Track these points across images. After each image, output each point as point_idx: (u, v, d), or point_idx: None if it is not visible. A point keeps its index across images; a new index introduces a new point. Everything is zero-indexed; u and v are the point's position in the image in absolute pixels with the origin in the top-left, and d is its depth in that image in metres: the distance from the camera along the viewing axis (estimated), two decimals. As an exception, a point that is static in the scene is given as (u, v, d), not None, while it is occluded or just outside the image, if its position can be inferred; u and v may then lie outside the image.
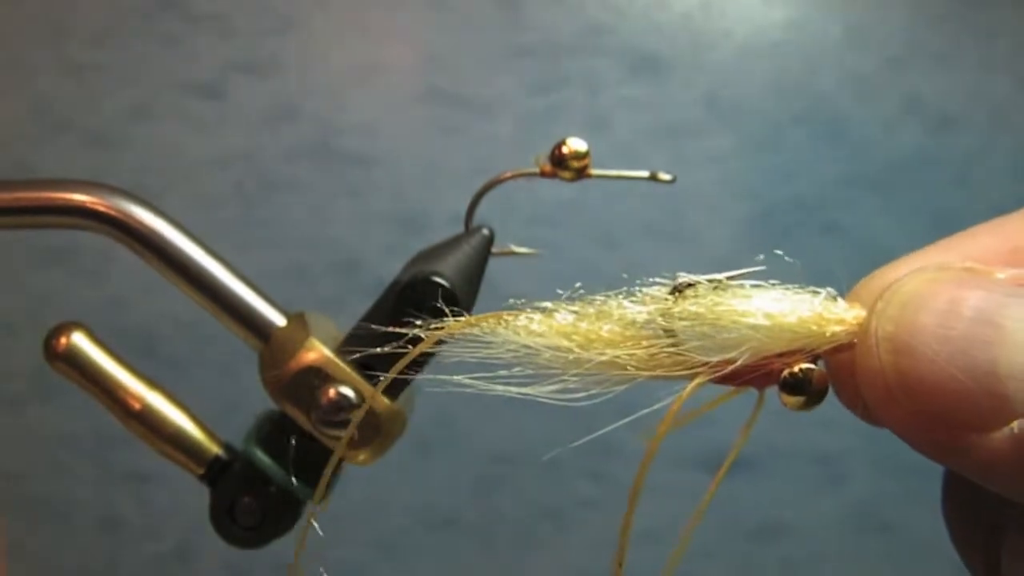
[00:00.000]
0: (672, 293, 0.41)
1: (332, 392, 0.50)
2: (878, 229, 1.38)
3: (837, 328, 0.40)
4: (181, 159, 1.37)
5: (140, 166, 1.36)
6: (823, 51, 1.42)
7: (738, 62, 1.41)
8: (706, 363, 0.40)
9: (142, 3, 1.38)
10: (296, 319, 0.54)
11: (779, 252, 0.42)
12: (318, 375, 0.51)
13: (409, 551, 1.38)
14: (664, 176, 0.56)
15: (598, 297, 0.42)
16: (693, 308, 0.41)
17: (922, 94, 1.42)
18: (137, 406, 0.53)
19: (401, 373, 0.51)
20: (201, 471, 0.54)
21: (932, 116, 1.42)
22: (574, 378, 0.42)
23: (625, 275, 0.41)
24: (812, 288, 0.41)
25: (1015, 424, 0.33)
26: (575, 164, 0.54)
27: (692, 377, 0.41)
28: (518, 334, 0.42)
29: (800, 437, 1.40)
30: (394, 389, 0.52)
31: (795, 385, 0.40)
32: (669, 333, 0.41)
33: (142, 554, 1.37)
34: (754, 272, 0.41)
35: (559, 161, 0.54)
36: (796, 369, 0.39)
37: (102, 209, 0.53)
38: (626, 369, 0.42)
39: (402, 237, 1.36)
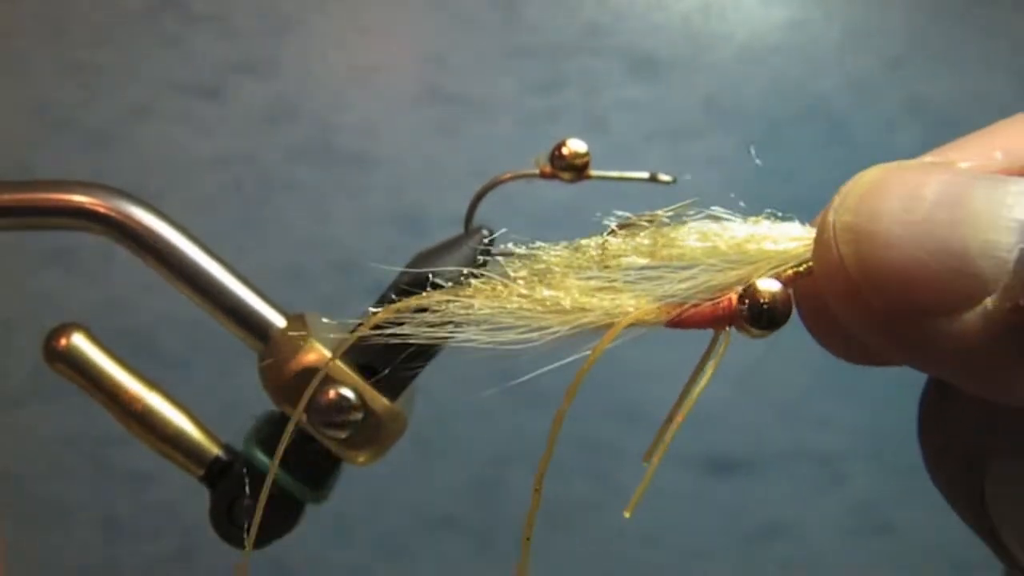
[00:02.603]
0: (609, 235, 0.40)
1: (332, 393, 0.50)
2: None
3: (792, 245, 0.38)
4: (180, 159, 1.37)
5: (139, 166, 1.36)
6: (823, 52, 1.42)
7: (737, 63, 1.41)
8: (652, 306, 0.38)
9: (141, 3, 1.38)
10: (296, 320, 0.54)
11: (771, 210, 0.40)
12: (318, 376, 0.51)
13: (408, 551, 1.38)
14: (664, 177, 0.56)
15: (538, 248, 0.41)
16: (630, 243, 0.39)
17: (922, 95, 1.42)
18: (137, 407, 0.53)
19: (402, 372, 0.51)
20: (201, 472, 0.54)
21: (932, 117, 1.42)
22: (523, 333, 0.40)
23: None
24: (769, 212, 0.39)
25: (987, 301, 0.32)
26: (575, 165, 0.54)
27: (631, 321, 0.39)
28: (469, 305, 0.41)
29: (800, 437, 1.40)
30: (394, 389, 0.52)
31: (754, 310, 0.37)
32: (608, 274, 0.39)
33: (141, 555, 1.36)
34: (690, 203, 0.40)
35: (558, 162, 0.54)
36: (753, 289, 0.37)
37: (101, 210, 0.53)
38: (566, 315, 0.40)
39: (401, 238, 1.36)
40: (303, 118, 1.38)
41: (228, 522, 0.54)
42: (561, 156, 0.54)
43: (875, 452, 1.40)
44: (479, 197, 0.56)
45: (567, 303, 0.40)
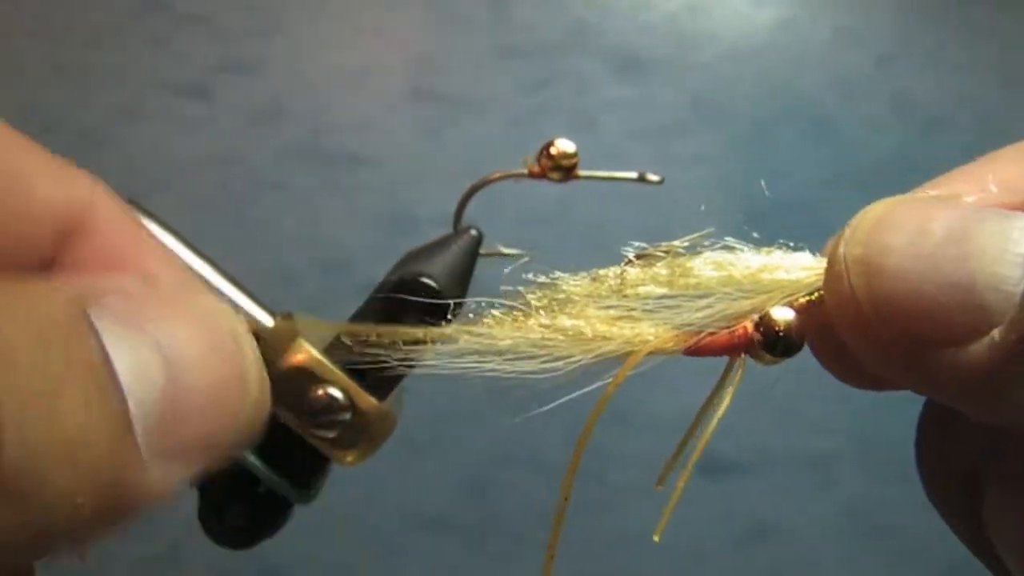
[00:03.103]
0: (627, 265, 0.41)
1: (320, 392, 0.50)
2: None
3: (804, 275, 0.39)
4: (169, 159, 1.37)
5: (128, 166, 1.36)
6: (810, 52, 1.43)
7: (724, 63, 1.42)
8: (672, 332, 0.40)
9: (130, 4, 1.38)
10: (284, 320, 0.54)
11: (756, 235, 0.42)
12: (307, 376, 0.51)
13: (398, 551, 1.38)
14: (652, 177, 0.56)
15: (558, 279, 0.41)
16: (648, 273, 0.40)
17: (909, 95, 1.43)
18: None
19: (391, 372, 0.51)
20: (189, 472, 0.54)
21: (918, 117, 1.42)
22: (545, 359, 0.41)
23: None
24: (780, 244, 0.40)
25: (994, 333, 0.32)
26: (563, 165, 0.54)
27: (651, 350, 0.40)
28: (486, 335, 0.42)
29: (792, 440, 1.41)
30: (383, 389, 0.52)
31: (769, 338, 0.39)
32: (625, 303, 0.40)
33: (131, 555, 1.36)
34: (706, 235, 0.41)
35: (547, 162, 0.54)
36: (768, 318, 0.38)
37: (89, 210, 0.52)
38: (588, 344, 0.41)
39: (391, 237, 1.36)
40: (292, 118, 1.38)
41: (217, 522, 0.53)
42: (550, 156, 0.54)
43: (866, 455, 1.40)
44: (468, 197, 0.56)
45: (588, 332, 0.41)
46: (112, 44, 1.37)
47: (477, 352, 0.42)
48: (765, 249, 0.41)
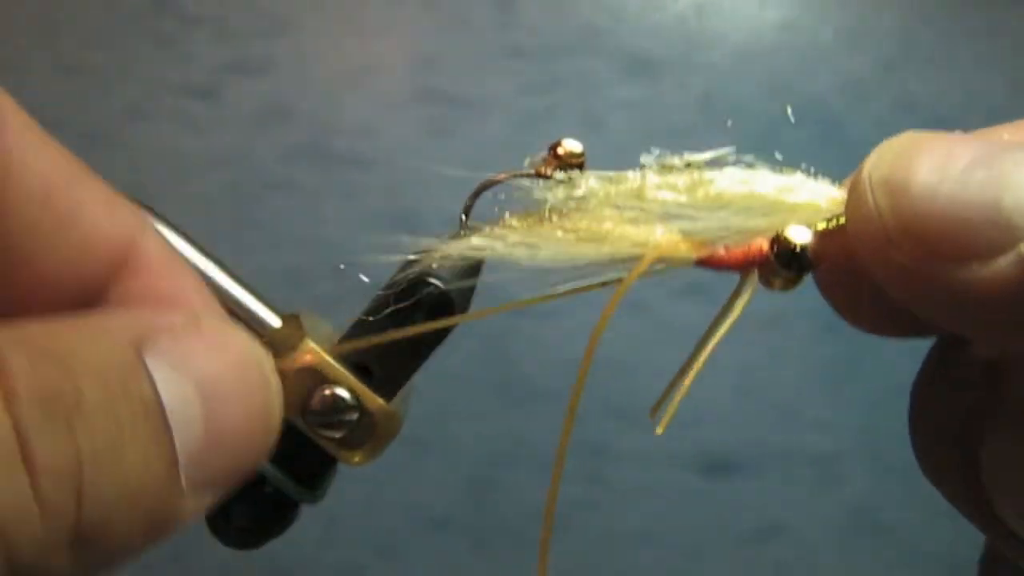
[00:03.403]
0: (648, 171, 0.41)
1: (327, 393, 0.50)
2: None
3: (822, 202, 0.40)
4: (175, 160, 1.37)
5: (134, 167, 1.36)
6: (817, 53, 1.43)
7: (732, 63, 1.41)
8: (677, 240, 0.40)
9: (136, 4, 1.38)
10: (291, 320, 0.54)
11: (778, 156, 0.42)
12: (313, 376, 0.51)
13: (404, 552, 1.38)
14: (659, 177, 0.56)
15: (577, 176, 0.42)
16: (665, 181, 0.40)
17: (916, 95, 1.42)
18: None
19: (398, 372, 0.51)
20: (196, 472, 0.54)
21: (926, 117, 1.42)
22: (563, 263, 0.41)
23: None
24: (803, 168, 0.41)
25: (1021, 246, 0.33)
26: (570, 165, 0.54)
27: (663, 254, 0.40)
28: (506, 231, 0.42)
29: (796, 438, 1.40)
30: (389, 389, 0.52)
31: (784, 254, 0.38)
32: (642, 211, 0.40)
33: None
34: (727, 153, 0.41)
35: (554, 162, 0.54)
36: (785, 236, 0.38)
37: (97, 210, 0.53)
38: (601, 244, 0.41)
39: (397, 238, 1.36)
40: (298, 119, 1.38)
41: (223, 522, 0.54)
42: (556, 156, 0.54)
43: (872, 454, 1.40)
44: (474, 197, 0.56)
45: (603, 232, 0.41)
46: (119, 44, 1.37)
47: (492, 247, 0.42)
48: (787, 170, 0.41)
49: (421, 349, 0.51)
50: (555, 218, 0.41)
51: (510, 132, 1.39)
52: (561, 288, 0.42)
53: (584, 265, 0.41)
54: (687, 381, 0.42)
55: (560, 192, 0.42)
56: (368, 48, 1.40)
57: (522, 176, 0.55)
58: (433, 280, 0.49)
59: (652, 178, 0.41)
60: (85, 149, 1.38)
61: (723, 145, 0.44)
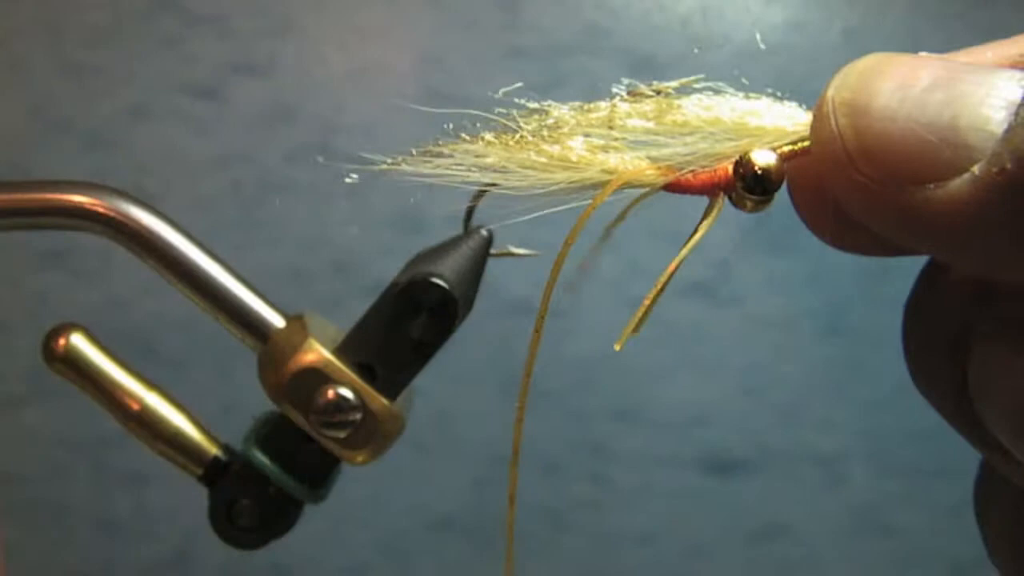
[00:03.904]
0: (618, 100, 0.42)
1: (331, 393, 0.51)
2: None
3: (790, 125, 0.40)
4: (179, 160, 1.37)
5: (138, 167, 1.36)
6: (821, 53, 1.42)
7: (737, 64, 1.41)
8: (644, 167, 0.41)
9: (140, 4, 1.38)
10: (295, 320, 0.54)
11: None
12: (317, 376, 0.51)
13: (408, 552, 1.38)
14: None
15: (549, 105, 0.42)
16: (637, 108, 0.41)
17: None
18: (136, 407, 0.54)
19: (401, 372, 0.52)
20: (200, 472, 0.54)
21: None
22: (527, 181, 0.42)
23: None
24: (770, 92, 0.42)
25: (975, 167, 0.34)
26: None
27: (630, 179, 0.41)
28: (478, 152, 0.43)
29: (800, 438, 1.40)
30: (393, 389, 0.52)
31: (748, 177, 0.39)
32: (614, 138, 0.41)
33: (140, 556, 1.37)
34: (697, 79, 0.42)
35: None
36: (748, 158, 0.39)
37: (100, 210, 0.53)
38: (573, 171, 0.42)
39: (400, 238, 1.36)
40: (302, 119, 1.38)
41: (227, 522, 0.54)
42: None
43: (875, 453, 1.40)
44: (478, 197, 0.56)
45: (573, 157, 0.42)
46: (122, 44, 1.37)
47: (463, 165, 0.43)
48: (754, 95, 0.42)
49: (424, 349, 0.51)
50: (528, 142, 0.42)
51: (514, 132, 1.38)
52: (530, 215, 0.42)
53: (554, 191, 0.42)
54: (649, 301, 0.43)
55: (533, 121, 0.43)
56: (371, 48, 1.40)
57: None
58: (437, 280, 0.49)
59: (622, 106, 0.42)
60: (88, 149, 1.38)
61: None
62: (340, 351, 0.51)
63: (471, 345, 1.32)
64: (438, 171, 0.43)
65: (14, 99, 1.36)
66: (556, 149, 0.42)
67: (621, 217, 0.43)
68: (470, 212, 0.56)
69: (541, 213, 0.42)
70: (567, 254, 0.42)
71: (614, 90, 0.43)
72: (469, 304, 0.51)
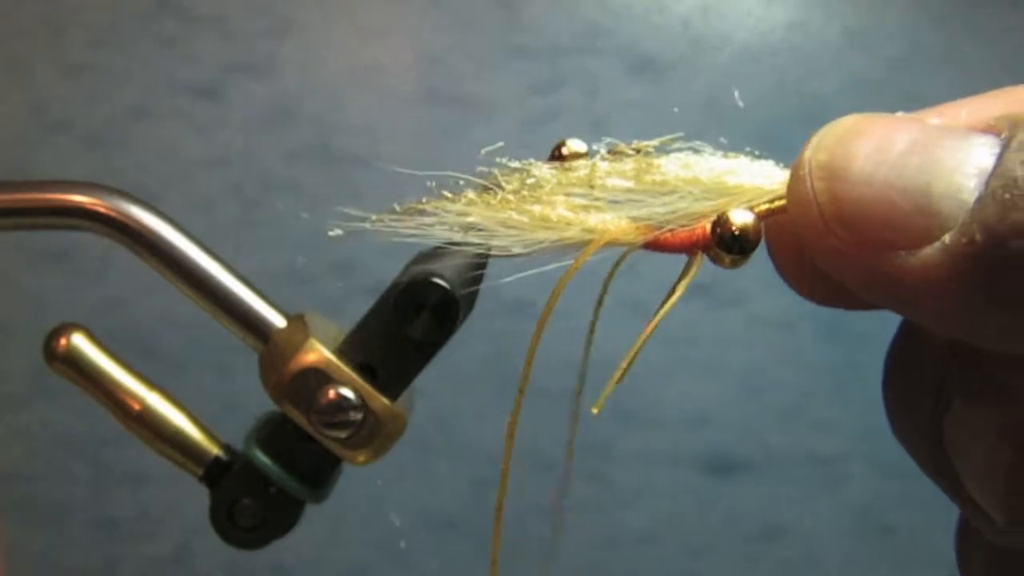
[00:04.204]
0: (599, 159, 0.42)
1: (332, 393, 0.50)
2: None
3: (767, 183, 0.41)
4: (180, 160, 1.37)
5: (139, 167, 1.36)
6: (822, 53, 1.42)
7: (737, 64, 1.41)
8: (628, 225, 0.41)
9: (141, 4, 1.38)
10: (296, 320, 0.54)
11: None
12: (318, 376, 0.51)
13: (409, 552, 1.38)
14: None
15: (531, 164, 0.43)
16: (617, 167, 0.42)
17: (923, 95, 1.42)
18: (136, 407, 0.53)
19: (403, 372, 0.51)
20: (200, 472, 0.54)
21: (931, 117, 1.42)
22: (510, 241, 0.43)
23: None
24: (748, 151, 0.42)
25: (946, 237, 0.34)
26: (574, 165, 0.54)
27: (611, 239, 0.42)
28: (461, 211, 0.43)
29: (800, 438, 1.40)
30: (394, 389, 0.52)
31: (725, 237, 0.40)
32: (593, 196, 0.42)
33: (141, 555, 1.36)
34: (676, 137, 0.43)
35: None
36: (725, 218, 0.40)
37: (101, 210, 0.53)
38: (552, 229, 0.42)
39: (401, 239, 1.36)
40: (303, 119, 1.38)
41: (228, 522, 0.54)
42: (561, 156, 0.54)
43: (876, 454, 1.40)
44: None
45: (554, 217, 0.42)
46: (122, 44, 1.37)
47: (446, 224, 0.43)
48: (732, 155, 0.43)
49: (426, 349, 0.51)
50: (509, 201, 0.43)
51: (514, 132, 1.38)
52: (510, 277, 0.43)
53: (537, 250, 0.43)
54: (626, 362, 0.43)
55: (514, 180, 0.43)
56: (372, 48, 1.40)
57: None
58: (438, 280, 0.49)
59: (602, 165, 0.43)
60: (89, 149, 1.38)
61: (725, 145, 0.45)
62: (341, 351, 0.51)
63: (471, 345, 1.32)
64: (420, 230, 0.44)
65: (15, 99, 1.36)
66: (537, 208, 0.42)
67: (610, 277, 0.44)
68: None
69: (525, 274, 0.43)
70: (548, 316, 0.43)
71: (594, 147, 0.43)
72: (470, 304, 0.51)
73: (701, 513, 1.39)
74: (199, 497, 0.54)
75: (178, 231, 0.54)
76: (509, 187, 0.44)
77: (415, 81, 1.40)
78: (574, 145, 0.54)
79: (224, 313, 0.53)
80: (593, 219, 0.42)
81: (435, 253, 0.52)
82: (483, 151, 0.51)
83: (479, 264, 0.52)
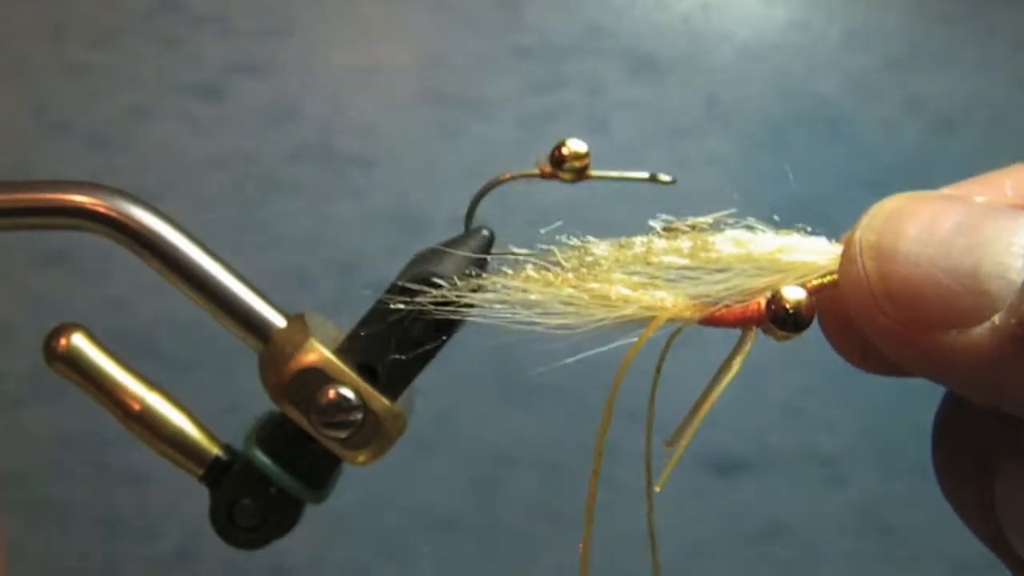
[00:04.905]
0: (654, 235, 0.43)
1: (332, 393, 0.50)
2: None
3: (818, 259, 0.41)
4: (181, 160, 1.37)
5: (140, 167, 1.36)
6: (823, 52, 1.42)
7: (738, 63, 1.41)
8: (686, 303, 0.42)
9: (142, 4, 1.38)
10: (296, 320, 0.54)
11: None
12: (318, 376, 0.51)
13: (409, 552, 1.38)
14: (664, 177, 0.56)
15: (589, 242, 0.44)
16: (672, 244, 0.43)
17: (922, 95, 1.42)
18: (137, 407, 0.53)
19: (403, 372, 0.51)
20: (201, 472, 0.54)
21: (932, 117, 1.42)
22: (569, 319, 0.44)
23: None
24: (799, 227, 0.43)
25: (995, 317, 0.35)
26: (575, 165, 0.54)
27: (670, 316, 0.43)
28: (521, 288, 0.44)
29: (801, 438, 1.40)
30: (394, 389, 0.52)
31: (779, 314, 0.40)
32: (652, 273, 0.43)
33: (141, 555, 1.37)
34: (729, 214, 0.43)
35: (559, 162, 0.54)
36: (779, 296, 0.40)
37: (102, 210, 0.53)
38: (611, 306, 0.43)
39: (402, 238, 1.36)
40: (303, 119, 1.38)
41: (228, 522, 0.54)
42: (561, 156, 0.54)
43: (876, 453, 1.40)
44: (479, 197, 0.56)
45: (612, 295, 0.43)
46: (123, 44, 1.37)
47: (508, 302, 0.44)
48: (784, 231, 0.43)
49: (426, 349, 0.51)
50: (568, 279, 0.44)
51: (515, 132, 1.39)
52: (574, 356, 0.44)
53: (596, 328, 0.44)
54: (686, 440, 0.45)
55: (573, 259, 0.44)
56: (374, 49, 1.40)
57: (527, 176, 0.55)
58: (438, 280, 0.49)
59: (658, 242, 0.43)
60: (89, 149, 1.38)
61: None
62: (341, 351, 0.51)
63: (471, 345, 1.32)
64: (480, 306, 0.45)
65: (15, 99, 1.36)
66: (596, 286, 0.43)
67: (665, 350, 0.45)
68: (471, 212, 0.56)
69: (586, 354, 0.43)
70: (616, 393, 0.44)
71: (650, 223, 0.45)
72: (470, 304, 0.51)
73: (701, 513, 1.39)
74: (200, 497, 0.54)
75: (178, 231, 0.54)
76: (568, 264, 0.45)
77: (415, 81, 1.40)
78: (574, 145, 0.54)
79: (224, 313, 0.53)
80: (650, 297, 0.43)
81: (435, 253, 0.52)
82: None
83: (480, 265, 0.52)
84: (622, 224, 0.47)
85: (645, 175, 0.57)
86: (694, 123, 1.40)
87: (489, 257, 0.54)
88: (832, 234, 0.43)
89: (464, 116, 1.39)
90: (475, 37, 1.40)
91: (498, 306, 0.44)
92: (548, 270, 0.44)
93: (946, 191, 0.40)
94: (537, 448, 1.35)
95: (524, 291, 0.44)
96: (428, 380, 0.53)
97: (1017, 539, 0.40)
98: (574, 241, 0.45)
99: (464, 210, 0.56)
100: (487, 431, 1.36)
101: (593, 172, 0.54)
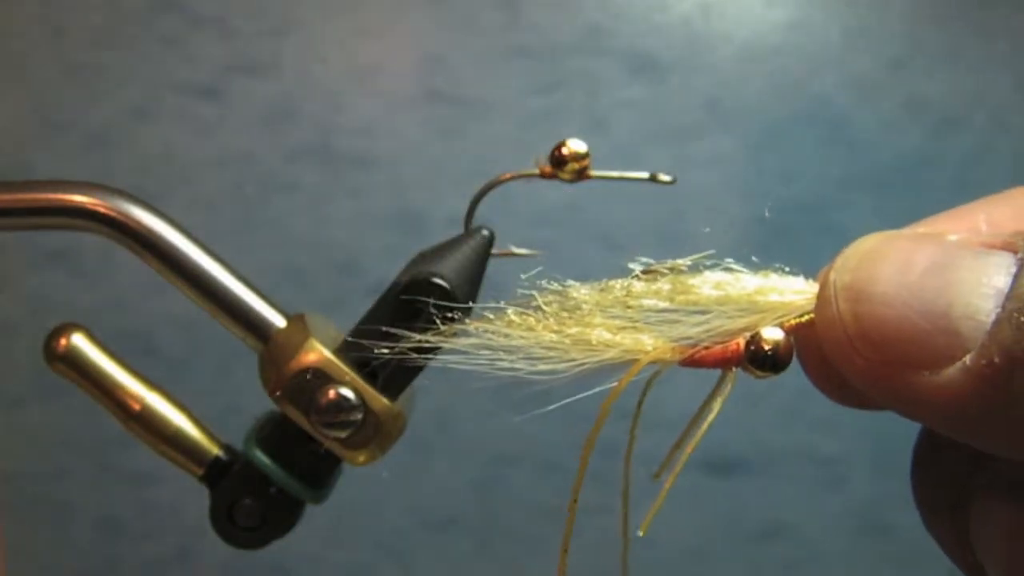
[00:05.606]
0: (634, 279, 0.44)
1: (332, 393, 0.50)
2: (877, 230, 1.38)
3: (796, 298, 0.42)
4: (181, 160, 1.37)
5: (140, 167, 1.36)
6: (823, 53, 1.42)
7: (738, 64, 1.41)
8: (666, 345, 0.43)
9: (142, 4, 1.38)
10: (296, 320, 0.54)
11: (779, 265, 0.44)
12: (318, 376, 0.51)
13: (409, 552, 1.38)
14: (664, 177, 0.56)
15: (569, 287, 0.45)
16: (652, 287, 0.43)
17: (922, 95, 1.42)
18: (137, 407, 0.53)
19: (403, 373, 0.51)
20: (201, 472, 0.54)
21: (932, 117, 1.42)
22: (551, 364, 0.44)
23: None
24: (777, 267, 0.43)
25: (966, 358, 0.35)
26: (575, 165, 0.54)
27: (651, 359, 0.43)
28: (502, 333, 0.44)
29: (801, 439, 1.40)
30: (394, 389, 0.52)
31: (758, 355, 0.41)
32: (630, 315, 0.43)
33: (141, 555, 1.37)
34: (708, 256, 0.44)
35: (559, 162, 0.54)
36: (758, 337, 0.41)
37: (102, 210, 0.53)
38: (592, 350, 0.44)
39: (402, 238, 1.36)
40: (303, 119, 1.38)
41: (228, 522, 0.54)
42: (561, 156, 0.54)
43: (876, 454, 1.40)
44: (479, 197, 0.56)
45: (594, 339, 0.44)
46: (123, 44, 1.37)
47: (489, 348, 0.44)
48: (762, 272, 0.44)
49: (426, 349, 0.51)
50: (549, 324, 0.44)
51: (515, 132, 1.39)
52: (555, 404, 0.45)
53: (577, 370, 0.44)
54: (668, 484, 0.46)
55: (554, 303, 0.44)
56: (373, 48, 1.40)
57: (527, 176, 0.55)
58: (438, 280, 0.49)
59: (637, 285, 0.44)
60: (90, 149, 1.38)
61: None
62: (341, 351, 0.51)
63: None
64: (465, 355, 0.45)
65: (15, 99, 1.36)
66: (577, 331, 0.44)
67: (644, 393, 0.46)
68: (471, 212, 0.56)
69: (567, 400, 0.44)
70: (596, 437, 0.45)
71: (630, 265, 0.45)
72: (471, 304, 0.51)
73: (701, 513, 1.39)
74: (200, 497, 0.54)
75: (178, 231, 0.54)
76: (549, 309, 0.45)
77: (415, 81, 1.40)
78: (574, 145, 0.54)
79: (224, 313, 0.53)
80: (631, 340, 0.43)
81: (434, 253, 0.52)
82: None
83: (480, 263, 0.52)
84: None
85: (645, 175, 0.57)
86: (694, 123, 1.40)
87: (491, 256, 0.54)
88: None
89: (464, 116, 1.39)
90: (475, 37, 1.40)
91: (482, 352, 0.45)
92: (529, 315, 0.45)
93: (920, 229, 0.41)
94: (536, 449, 1.35)
95: (506, 336, 0.44)
96: (427, 380, 0.53)
97: (993, 570, 0.41)
98: (555, 285, 0.46)
99: (464, 210, 0.56)
100: (487, 431, 1.36)
101: (593, 172, 0.55)
